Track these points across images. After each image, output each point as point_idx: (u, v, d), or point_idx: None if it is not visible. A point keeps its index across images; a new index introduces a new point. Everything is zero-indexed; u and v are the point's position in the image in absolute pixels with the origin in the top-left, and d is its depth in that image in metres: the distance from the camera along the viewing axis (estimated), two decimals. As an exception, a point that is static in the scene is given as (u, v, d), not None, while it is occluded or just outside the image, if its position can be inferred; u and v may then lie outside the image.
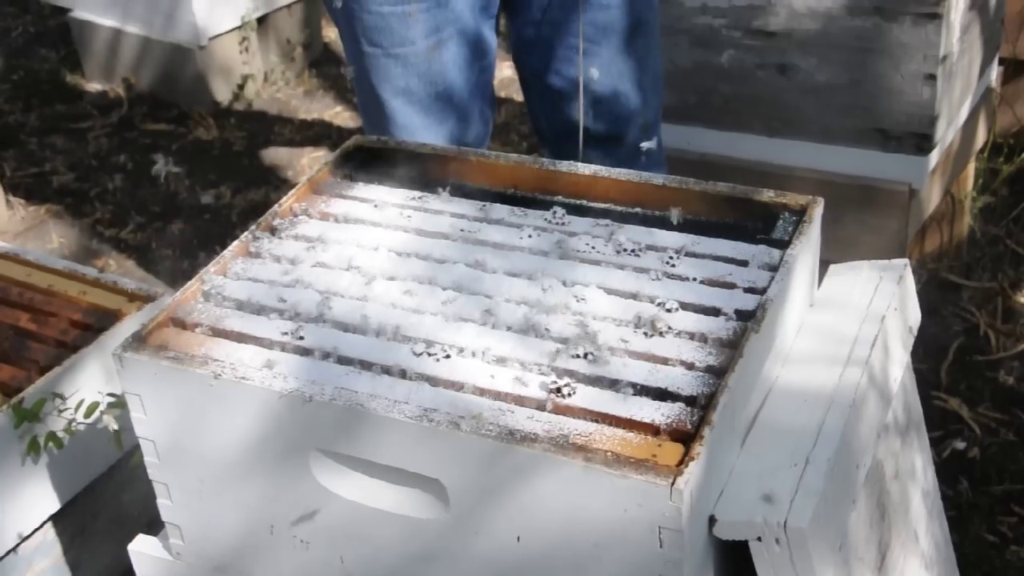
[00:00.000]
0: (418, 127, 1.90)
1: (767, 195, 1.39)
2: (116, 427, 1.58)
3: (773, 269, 1.29)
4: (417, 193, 1.47)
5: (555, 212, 1.41)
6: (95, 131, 3.68)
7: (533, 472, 1.08)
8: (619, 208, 1.42)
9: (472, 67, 1.91)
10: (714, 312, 1.24)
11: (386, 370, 1.19)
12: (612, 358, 1.19)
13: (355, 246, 1.39)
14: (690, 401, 1.13)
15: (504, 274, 1.32)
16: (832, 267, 1.46)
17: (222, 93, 3.71)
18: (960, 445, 2.31)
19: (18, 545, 1.69)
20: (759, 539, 1.11)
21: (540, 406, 1.14)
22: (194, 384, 1.21)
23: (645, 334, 1.21)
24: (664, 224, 1.39)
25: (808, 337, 1.35)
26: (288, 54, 3.90)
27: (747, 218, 1.38)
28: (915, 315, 1.46)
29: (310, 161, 3.49)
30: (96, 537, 1.80)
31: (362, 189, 1.49)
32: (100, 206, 3.31)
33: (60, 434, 1.66)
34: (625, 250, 1.34)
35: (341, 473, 1.20)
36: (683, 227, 1.38)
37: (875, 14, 2.32)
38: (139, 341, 1.25)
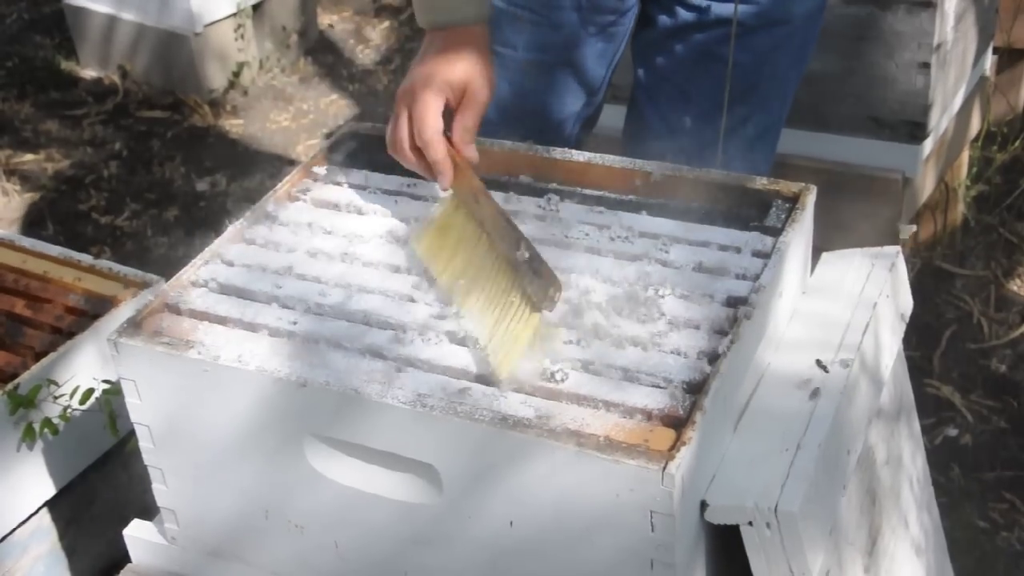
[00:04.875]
0: (497, 127, 1.71)
1: (760, 182, 1.39)
2: (111, 413, 1.59)
3: (766, 256, 1.30)
4: (411, 180, 1.48)
5: (549, 199, 1.41)
6: (90, 118, 3.67)
7: (526, 457, 1.09)
8: (613, 195, 1.43)
9: (571, 98, 1.77)
10: (707, 299, 1.25)
11: (380, 356, 1.20)
12: (605, 344, 1.19)
13: (349, 233, 1.39)
14: (682, 387, 1.14)
15: (498, 261, 1.32)
16: (824, 254, 1.47)
17: (217, 80, 3.71)
18: (952, 432, 2.32)
19: (14, 531, 1.69)
20: (750, 524, 1.11)
21: (533, 391, 1.14)
22: (189, 369, 1.21)
23: (638, 320, 1.22)
24: (657, 211, 1.39)
25: (800, 323, 1.35)
26: (283, 41, 3.90)
27: (740, 205, 1.38)
28: (907, 302, 1.47)
29: (305, 148, 3.49)
30: (92, 522, 1.81)
31: (356, 176, 1.50)
32: (95, 193, 3.31)
33: (55, 420, 1.67)
34: (618, 237, 1.34)
35: (335, 458, 1.21)
36: (677, 214, 1.38)
37: (870, 2, 2.32)
38: (134, 327, 1.26)
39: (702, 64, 1.69)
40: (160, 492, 1.33)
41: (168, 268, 1.55)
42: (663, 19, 1.70)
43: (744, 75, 1.67)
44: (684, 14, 1.67)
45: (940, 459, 2.23)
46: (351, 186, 1.48)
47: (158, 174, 3.39)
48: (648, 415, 1.11)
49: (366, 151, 1.55)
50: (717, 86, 1.65)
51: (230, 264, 1.36)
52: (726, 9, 1.63)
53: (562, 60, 1.73)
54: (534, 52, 1.72)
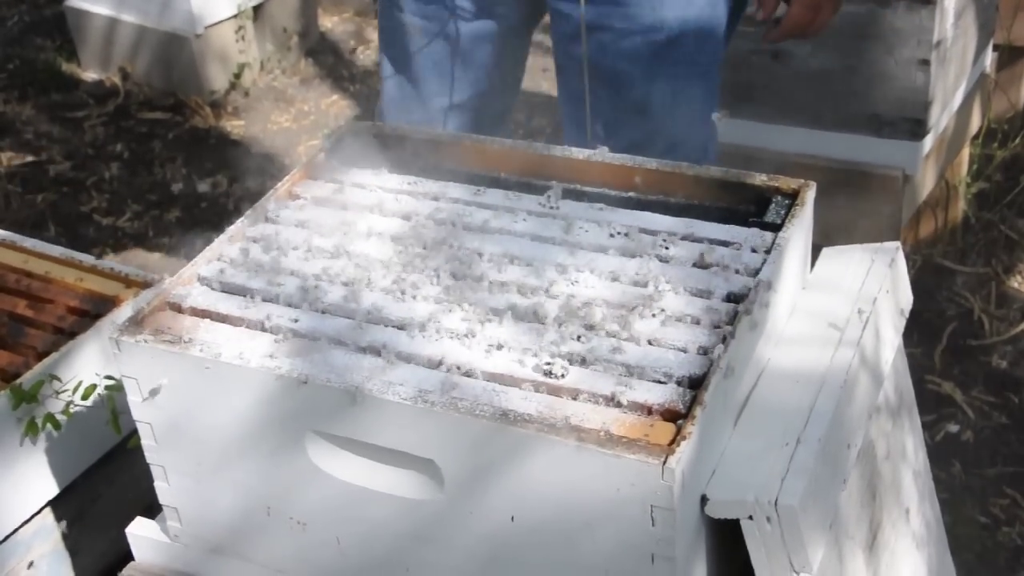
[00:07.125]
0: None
1: (760, 179, 1.40)
2: (113, 411, 1.59)
3: (766, 252, 1.30)
4: (411, 178, 1.48)
5: (549, 196, 1.42)
6: (91, 120, 3.68)
7: (527, 452, 1.09)
8: (613, 192, 1.43)
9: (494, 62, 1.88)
10: (706, 295, 1.25)
11: (381, 352, 1.20)
12: (605, 340, 1.20)
13: (349, 231, 1.39)
14: (682, 382, 1.14)
15: (498, 258, 1.33)
16: (824, 250, 1.47)
17: (218, 81, 3.72)
18: (953, 428, 2.33)
19: (17, 529, 1.70)
20: (750, 518, 1.12)
21: (534, 387, 1.15)
22: (190, 367, 1.22)
23: (638, 316, 1.22)
24: (657, 208, 1.39)
25: (800, 319, 1.36)
26: (284, 43, 3.90)
27: (740, 202, 1.39)
28: (907, 297, 1.47)
29: (306, 149, 3.49)
30: (95, 521, 1.81)
31: (356, 174, 1.50)
32: (97, 195, 3.32)
33: (59, 416, 1.67)
34: (618, 233, 1.35)
35: (337, 454, 1.21)
36: (676, 211, 1.39)
37: (870, 0, 2.33)
38: (135, 324, 1.26)
39: (592, 74, 1.72)
40: (162, 489, 1.33)
41: (170, 269, 1.55)
42: (552, 28, 1.73)
43: (633, 86, 1.69)
44: (560, 24, 1.70)
45: (941, 455, 2.24)
46: (351, 185, 1.48)
47: (159, 175, 3.39)
48: (648, 410, 1.11)
49: (366, 150, 1.55)
50: (614, 97, 1.67)
51: (231, 262, 1.36)
52: (583, 11, 1.65)
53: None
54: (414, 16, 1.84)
